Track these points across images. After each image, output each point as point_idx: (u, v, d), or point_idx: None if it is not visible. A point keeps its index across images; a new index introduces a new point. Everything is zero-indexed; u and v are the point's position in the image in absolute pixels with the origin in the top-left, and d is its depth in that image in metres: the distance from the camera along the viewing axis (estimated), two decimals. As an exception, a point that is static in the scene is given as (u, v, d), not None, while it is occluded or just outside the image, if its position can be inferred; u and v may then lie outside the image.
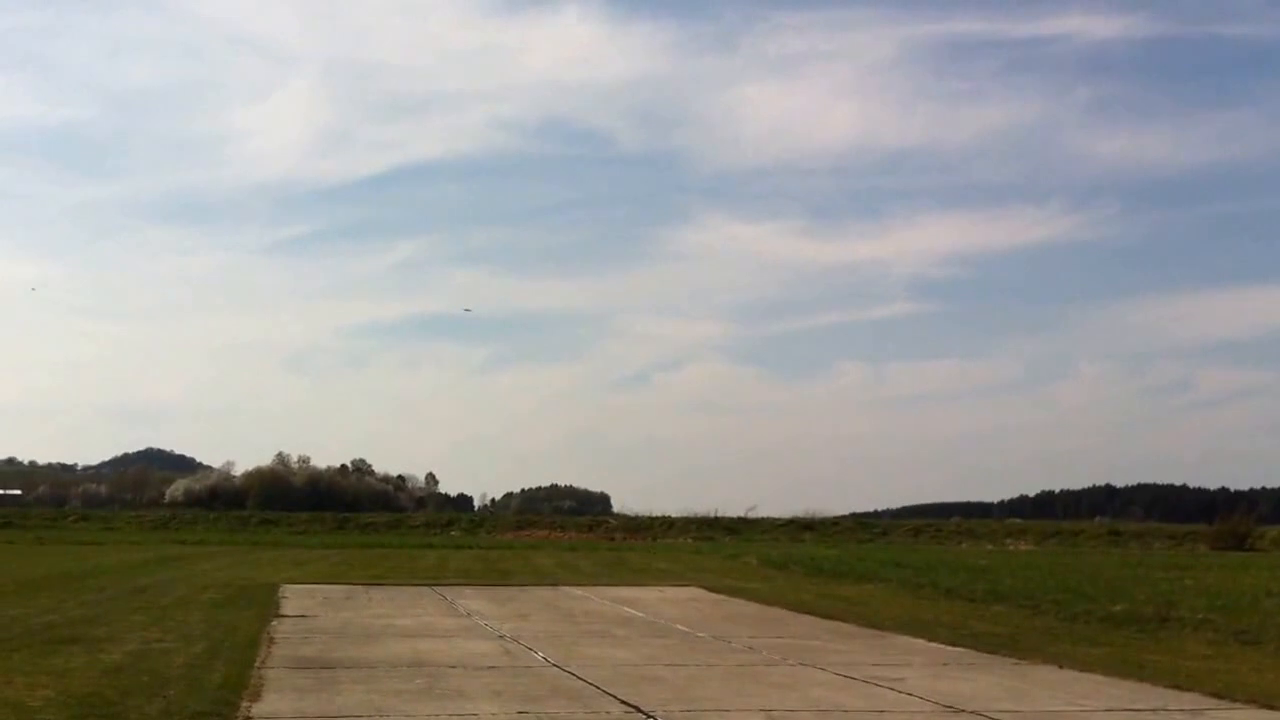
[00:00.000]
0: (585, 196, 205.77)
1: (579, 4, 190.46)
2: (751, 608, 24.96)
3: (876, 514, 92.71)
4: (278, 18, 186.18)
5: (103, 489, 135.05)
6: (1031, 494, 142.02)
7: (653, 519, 69.77)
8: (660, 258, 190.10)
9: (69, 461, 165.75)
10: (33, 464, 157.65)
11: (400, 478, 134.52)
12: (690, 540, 61.90)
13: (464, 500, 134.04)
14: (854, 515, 79.41)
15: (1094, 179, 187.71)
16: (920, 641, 18.92)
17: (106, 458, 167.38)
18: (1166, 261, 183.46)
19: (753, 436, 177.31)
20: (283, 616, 21.13)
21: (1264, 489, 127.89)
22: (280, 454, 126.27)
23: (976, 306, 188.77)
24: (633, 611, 23.54)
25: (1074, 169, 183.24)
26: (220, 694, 12.44)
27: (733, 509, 72.18)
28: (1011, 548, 59.43)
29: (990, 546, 59.84)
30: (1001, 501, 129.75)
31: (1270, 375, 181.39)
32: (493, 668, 15.31)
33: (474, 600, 25.18)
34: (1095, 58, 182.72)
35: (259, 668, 14.58)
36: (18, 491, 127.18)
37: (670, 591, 28.66)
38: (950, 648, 18.14)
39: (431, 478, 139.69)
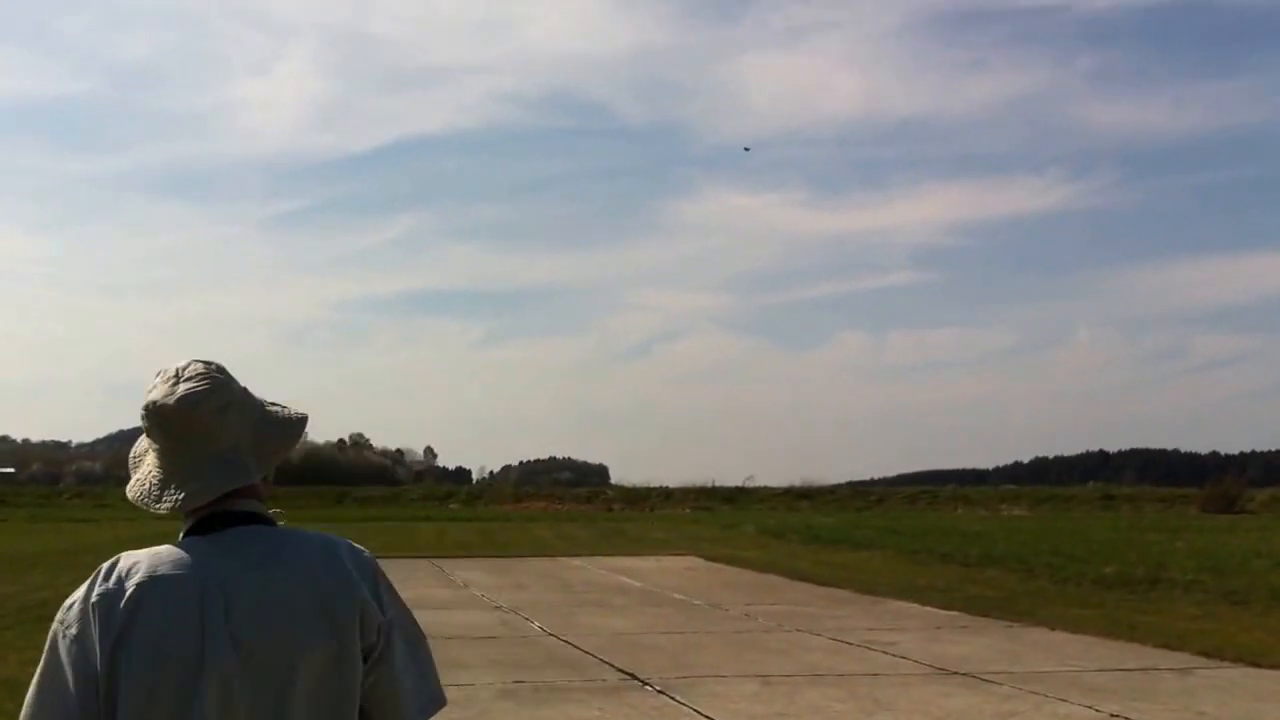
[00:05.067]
0: (586, 169, 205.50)
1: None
2: (747, 575, 25.17)
3: (873, 482, 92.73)
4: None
5: (98, 466, 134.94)
6: (1026, 460, 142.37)
7: (650, 489, 69.95)
8: (661, 230, 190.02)
9: (63, 439, 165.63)
10: (26, 441, 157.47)
11: (399, 451, 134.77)
12: (688, 510, 62.13)
13: (462, 473, 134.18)
14: (851, 483, 79.53)
15: (1093, 148, 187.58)
16: (915, 606, 19.13)
17: (101, 435, 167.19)
18: (1163, 229, 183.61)
19: (751, 407, 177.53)
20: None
21: (1254, 452, 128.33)
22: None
23: (976, 275, 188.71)
24: (630, 581, 23.74)
25: (1074, 138, 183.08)
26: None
27: (731, 479, 72.39)
28: (1006, 513, 59.70)
29: (985, 512, 60.07)
30: (997, 468, 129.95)
31: (1261, 341, 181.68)
32: (490, 638, 15.50)
33: (471, 572, 25.36)
34: (1096, 27, 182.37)
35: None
36: (11, 470, 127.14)
37: (667, 561, 28.87)
38: (944, 611, 18.36)
39: (430, 451, 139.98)
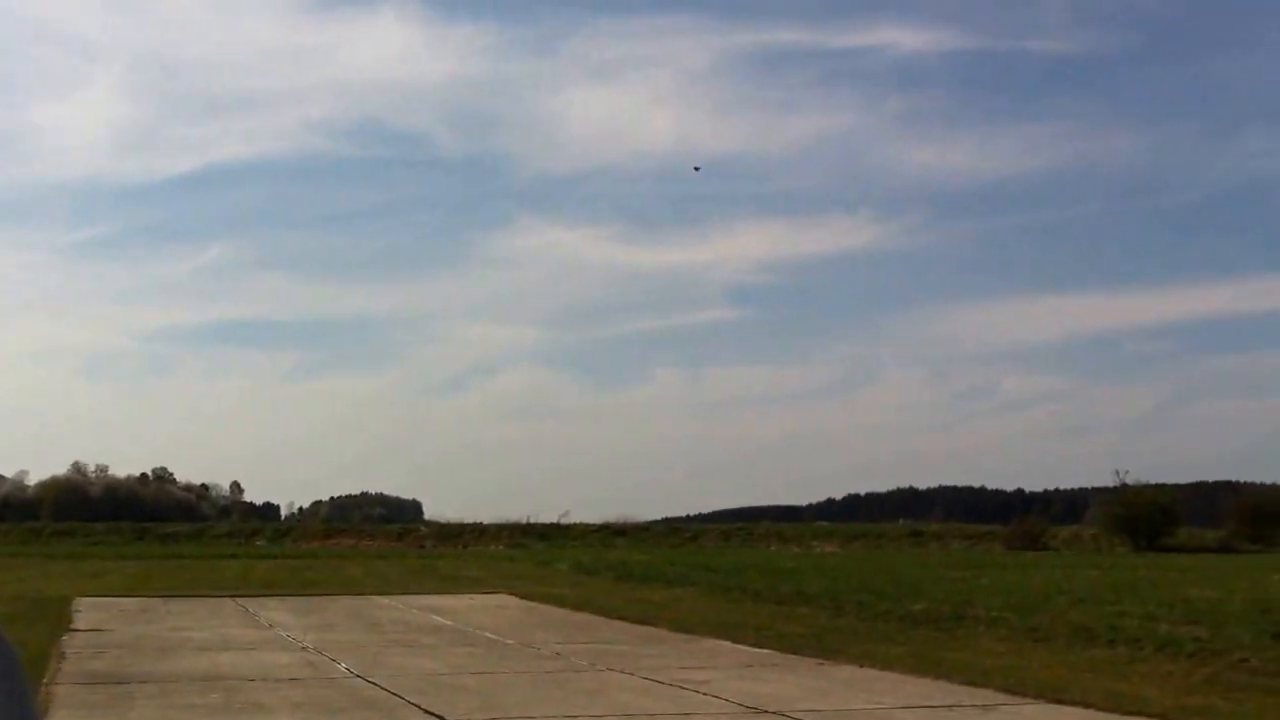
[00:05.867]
0: (401, 200, 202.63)
1: (396, 5, 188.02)
2: (561, 614, 24.93)
3: (688, 519, 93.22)
4: (83, 9, 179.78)
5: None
6: (839, 497, 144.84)
7: (464, 526, 69.13)
8: (478, 263, 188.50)
9: None
10: None
11: (204, 486, 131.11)
12: (503, 547, 61.59)
13: (270, 509, 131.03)
14: (666, 520, 79.78)
15: (903, 188, 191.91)
16: (727, 644, 19.11)
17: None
18: (971, 270, 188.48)
19: (568, 442, 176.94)
20: (75, 631, 20.38)
21: (1057, 490, 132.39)
22: (76, 463, 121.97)
23: (791, 313, 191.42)
24: (441, 620, 23.31)
25: (884, 178, 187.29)
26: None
27: (547, 515, 71.92)
28: (818, 550, 60.51)
29: (798, 549, 60.77)
30: (811, 504, 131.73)
31: (1064, 381, 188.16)
32: (294, 680, 14.98)
33: (277, 611, 24.63)
34: (907, 70, 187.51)
35: (47, 684, 14.01)
36: None
37: (480, 599, 28.45)
38: (756, 649, 18.37)
39: (237, 486, 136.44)
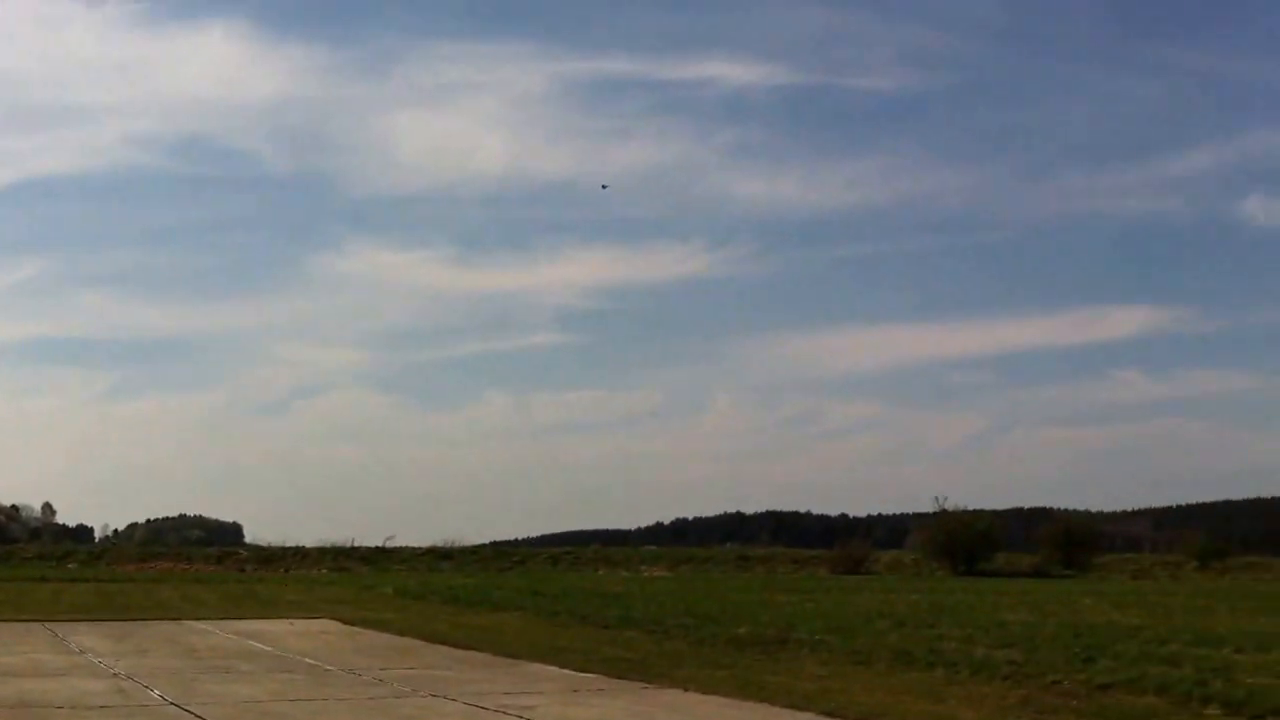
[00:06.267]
0: (226, 219, 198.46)
1: (225, 22, 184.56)
2: (384, 639, 24.54)
3: (516, 542, 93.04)
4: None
5: None
6: (667, 521, 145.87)
7: (286, 549, 67.78)
8: (305, 284, 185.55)
9: None
10: None
11: (14, 507, 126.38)
12: (325, 571, 60.55)
13: (84, 531, 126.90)
14: (494, 543, 79.45)
15: (733, 218, 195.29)
16: (552, 668, 19.00)
17: None
18: (798, 299, 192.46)
19: (394, 465, 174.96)
20: None
21: (880, 515, 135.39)
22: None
23: (621, 338, 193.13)
24: (260, 645, 22.75)
25: (715, 208, 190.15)
26: None
27: (371, 539, 70.93)
28: (646, 574, 60.74)
29: (626, 573, 60.92)
30: (639, 528, 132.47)
31: (887, 409, 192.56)
32: (104, 707, 14.46)
33: (88, 636, 23.78)
34: (736, 103, 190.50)
35: None
36: None
37: (300, 624, 27.86)
38: (581, 674, 18.29)
39: (48, 508, 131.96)
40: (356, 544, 68.89)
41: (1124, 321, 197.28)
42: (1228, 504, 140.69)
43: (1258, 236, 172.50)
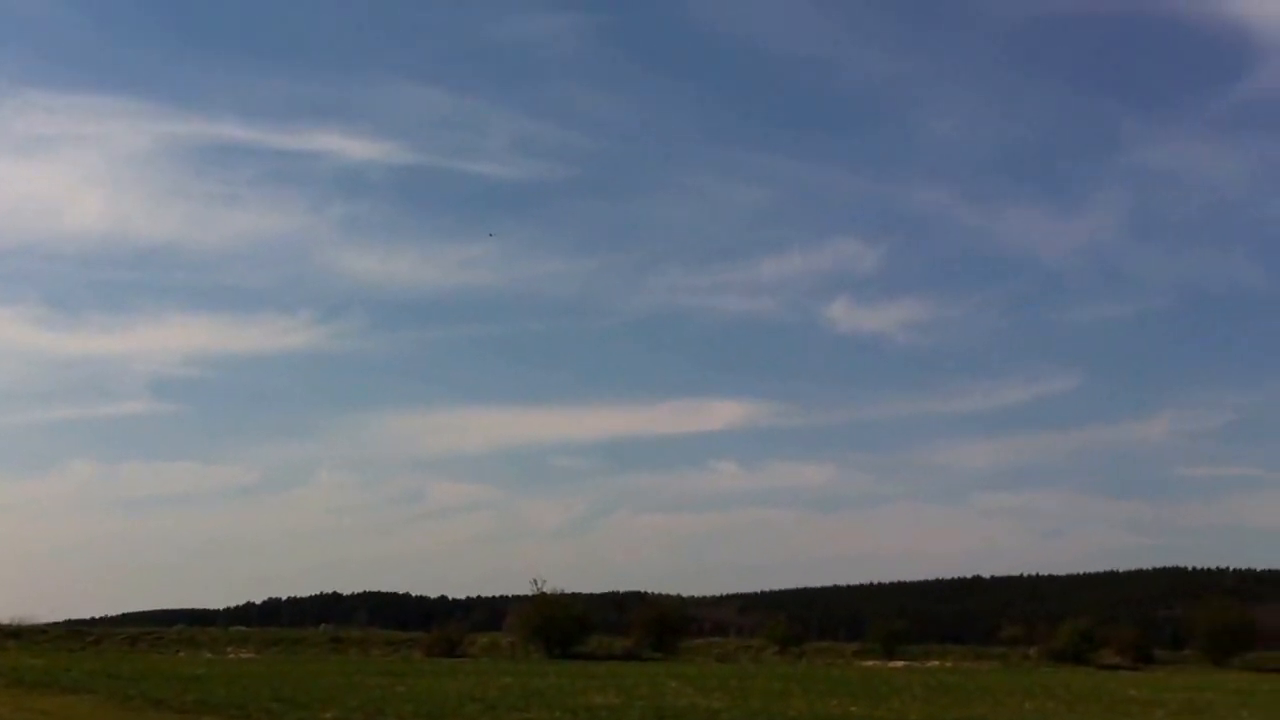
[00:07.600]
0: None
1: None
2: (-68, 725, 22.49)
3: (94, 621, 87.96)
4: None
5: None
6: (259, 601, 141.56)
7: None
8: None
9: None
10: None
11: None
12: None
13: None
14: (69, 622, 74.91)
15: (344, 293, 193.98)
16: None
17: None
18: (407, 377, 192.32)
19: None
20: None
21: (479, 597, 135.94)
22: None
23: (220, 409, 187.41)
24: None
25: (326, 281, 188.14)
26: None
27: (-69, 615, 65.38)
28: (232, 656, 58.34)
29: (211, 655, 58.36)
30: (228, 608, 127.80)
31: (491, 491, 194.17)
32: None
33: None
34: (353, 177, 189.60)
35: None
36: None
37: None
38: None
39: None
40: (-87, 621, 63.37)
41: (721, 414, 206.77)
42: (807, 591, 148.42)
43: (839, 339, 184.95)
